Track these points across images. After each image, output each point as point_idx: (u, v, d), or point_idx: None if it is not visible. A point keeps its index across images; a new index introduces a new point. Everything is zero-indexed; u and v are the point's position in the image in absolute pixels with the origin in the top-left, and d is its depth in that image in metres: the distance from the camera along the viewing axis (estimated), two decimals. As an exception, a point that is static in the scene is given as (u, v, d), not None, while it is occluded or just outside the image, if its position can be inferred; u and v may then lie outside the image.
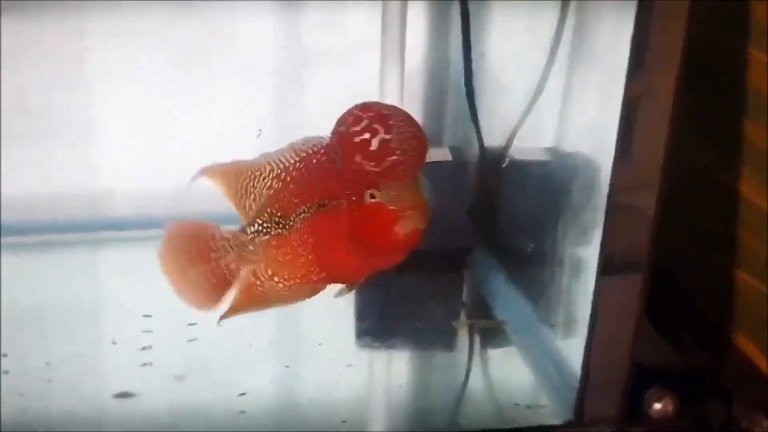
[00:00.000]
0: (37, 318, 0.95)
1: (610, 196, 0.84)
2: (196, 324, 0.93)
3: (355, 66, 1.11)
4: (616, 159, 0.82)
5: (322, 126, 1.18)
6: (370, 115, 0.57)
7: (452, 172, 1.06)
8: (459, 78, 1.14)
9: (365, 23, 1.10)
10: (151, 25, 1.05)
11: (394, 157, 0.56)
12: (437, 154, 1.08)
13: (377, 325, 1.02)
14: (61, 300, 0.99)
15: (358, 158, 0.56)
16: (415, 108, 1.14)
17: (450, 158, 1.07)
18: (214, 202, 1.11)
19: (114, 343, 0.90)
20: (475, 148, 1.11)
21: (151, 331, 0.92)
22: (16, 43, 1.03)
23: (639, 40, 0.78)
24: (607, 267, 0.85)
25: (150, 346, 0.89)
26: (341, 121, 0.58)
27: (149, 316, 0.94)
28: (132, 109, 1.08)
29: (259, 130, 1.11)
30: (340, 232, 0.59)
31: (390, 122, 0.56)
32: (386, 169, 0.56)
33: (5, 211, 1.07)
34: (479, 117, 1.08)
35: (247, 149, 1.11)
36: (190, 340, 0.91)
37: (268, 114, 1.11)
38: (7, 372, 0.85)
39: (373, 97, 1.06)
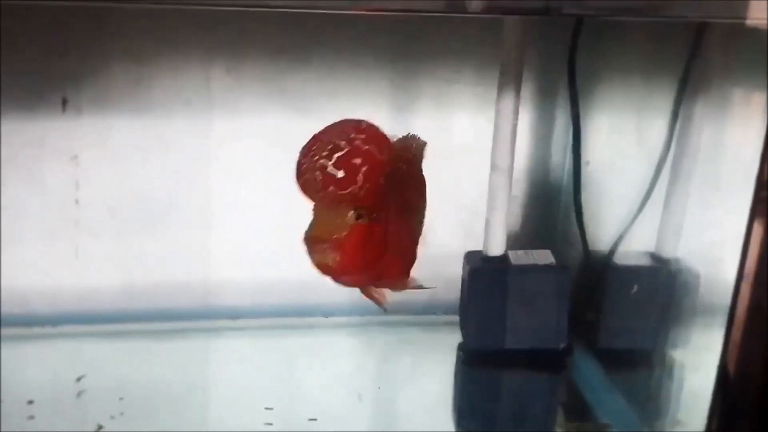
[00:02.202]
0: (162, 405, 0.99)
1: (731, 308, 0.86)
2: (315, 420, 0.97)
3: (462, 168, 1.16)
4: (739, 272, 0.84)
5: (426, 222, 1.22)
6: (315, 134, 0.59)
7: (555, 274, 1.09)
8: (560, 182, 1.18)
9: (473, 127, 1.15)
10: (271, 125, 1.11)
11: (301, 180, 0.58)
12: (540, 256, 1.11)
13: (477, 423, 1.04)
14: (182, 388, 1.03)
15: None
16: (517, 210, 1.18)
17: (553, 260, 1.10)
18: (329, 292, 1.17)
19: (239, 435, 0.94)
20: (577, 251, 1.15)
21: (271, 424, 0.96)
22: (147, 140, 1.10)
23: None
24: (725, 375, 0.87)
25: (275, 439, 0.93)
26: None
27: (270, 408, 0.98)
28: (249, 203, 1.14)
29: (368, 227, 1.16)
30: None
31: (312, 147, 0.58)
32: (300, 189, 0.58)
33: (128, 299, 1.12)
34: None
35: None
36: (311, 435, 0.95)
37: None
38: (141, 460, 0.89)
39: (481, 198, 1.11)
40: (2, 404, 0.96)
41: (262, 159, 1.12)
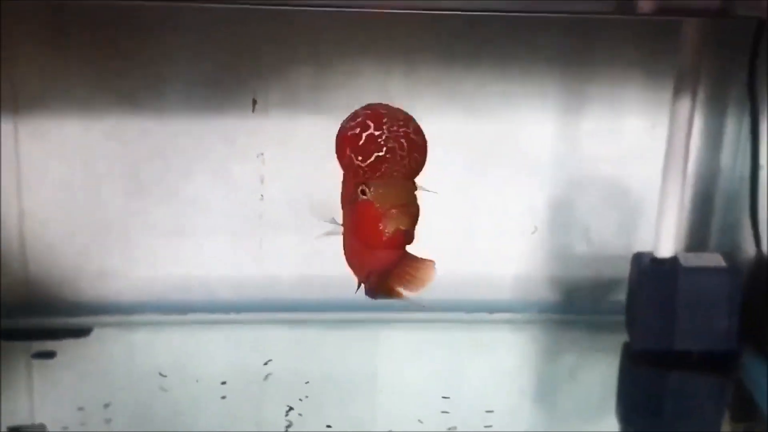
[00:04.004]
0: (345, 390, 1.04)
1: None
2: (492, 411, 1.00)
3: (627, 170, 1.17)
4: None
5: (591, 224, 1.24)
6: (367, 112, 0.58)
7: (726, 277, 1.09)
8: (730, 185, 1.18)
9: (643, 131, 1.16)
10: (446, 126, 1.15)
11: (380, 154, 0.56)
12: (710, 259, 1.12)
13: (642, 423, 1.06)
14: (360, 375, 1.08)
15: (348, 152, 0.57)
16: (685, 212, 1.18)
17: (723, 263, 1.10)
18: (493, 289, 1.20)
19: (420, 422, 0.98)
20: (747, 254, 1.15)
21: (448, 412, 1.00)
22: (327, 140, 1.15)
23: None
24: None
25: (455, 427, 0.96)
26: (346, 118, 0.59)
27: (447, 397, 1.02)
28: (421, 201, 1.18)
29: (535, 227, 1.19)
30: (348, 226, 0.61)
31: (383, 120, 0.57)
32: (371, 165, 0.57)
33: (306, 290, 1.18)
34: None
35: (522, 243, 1.19)
36: (486, 426, 0.98)
37: (542, 212, 1.19)
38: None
39: (646, 200, 1.13)
40: (197, 383, 1.04)
41: (434, 158, 1.16)
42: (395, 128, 0.57)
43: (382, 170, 0.57)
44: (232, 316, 1.17)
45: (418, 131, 0.59)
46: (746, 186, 1.14)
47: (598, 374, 1.13)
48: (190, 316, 1.17)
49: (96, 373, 1.07)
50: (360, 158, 0.57)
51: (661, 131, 1.11)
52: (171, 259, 1.17)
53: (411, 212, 0.58)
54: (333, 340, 1.16)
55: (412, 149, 0.58)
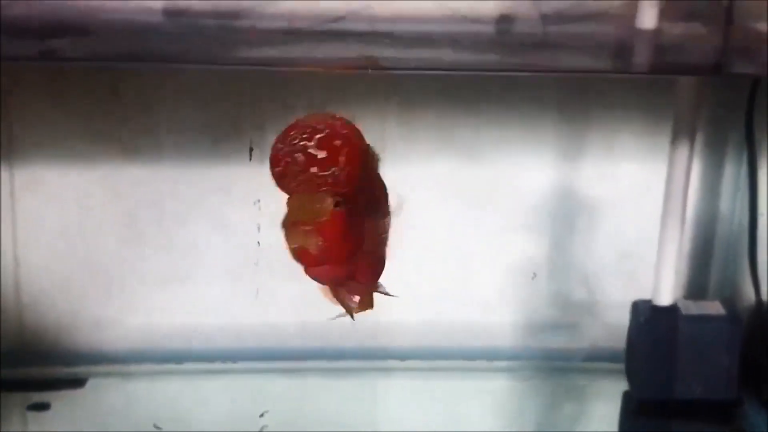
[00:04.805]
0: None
1: None
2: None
3: (626, 216, 1.17)
4: None
5: (590, 271, 1.23)
6: (286, 127, 0.56)
7: (726, 325, 1.09)
8: (728, 232, 1.18)
9: (641, 175, 1.16)
10: (442, 172, 1.15)
11: (279, 168, 0.54)
12: (710, 307, 1.11)
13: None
14: (359, 425, 1.07)
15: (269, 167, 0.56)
16: (684, 260, 1.18)
17: (723, 311, 1.10)
18: (494, 337, 1.20)
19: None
20: (746, 302, 1.14)
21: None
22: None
23: None
24: None
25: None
26: None
27: (446, 450, 1.01)
28: (418, 247, 1.17)
29: (534, 274, 1.18)
30: None
31: (290, 133, 0.55)
32: (275, 178, 0.55)
33: (304, 338, 1.18)
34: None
35: (520, 289, 1.18)
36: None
37: (541, 259, 1.18)
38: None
39: (645, 246, 1.12)
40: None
41: (432, 205, 1.16)
42: (295, 142, 0.55)
43: (284, 186, 0.55)
44: (230, 365, 1.17)
45: (324, 144, 0.55)
46: (745, 233, 1.14)
47: (598, 423, 1.12)
48: (187, 366, 1.16)
49: (91, 425, 1.05)
50: (271, 175, 0.56)
51: (659, 178, 1.11)
52: (168, 308, 1.16)
53: (307, 229, 0.54)
54: (332, 388, 1.15)
55: (310, 164, 0.55)
